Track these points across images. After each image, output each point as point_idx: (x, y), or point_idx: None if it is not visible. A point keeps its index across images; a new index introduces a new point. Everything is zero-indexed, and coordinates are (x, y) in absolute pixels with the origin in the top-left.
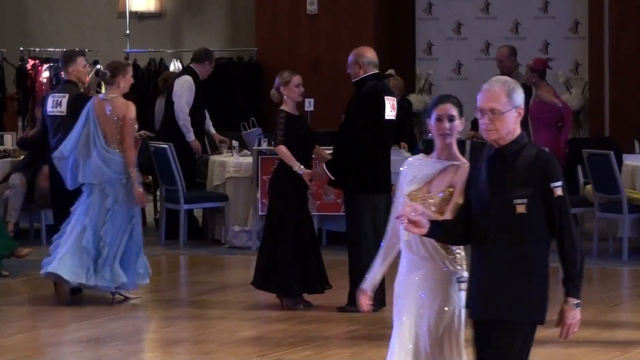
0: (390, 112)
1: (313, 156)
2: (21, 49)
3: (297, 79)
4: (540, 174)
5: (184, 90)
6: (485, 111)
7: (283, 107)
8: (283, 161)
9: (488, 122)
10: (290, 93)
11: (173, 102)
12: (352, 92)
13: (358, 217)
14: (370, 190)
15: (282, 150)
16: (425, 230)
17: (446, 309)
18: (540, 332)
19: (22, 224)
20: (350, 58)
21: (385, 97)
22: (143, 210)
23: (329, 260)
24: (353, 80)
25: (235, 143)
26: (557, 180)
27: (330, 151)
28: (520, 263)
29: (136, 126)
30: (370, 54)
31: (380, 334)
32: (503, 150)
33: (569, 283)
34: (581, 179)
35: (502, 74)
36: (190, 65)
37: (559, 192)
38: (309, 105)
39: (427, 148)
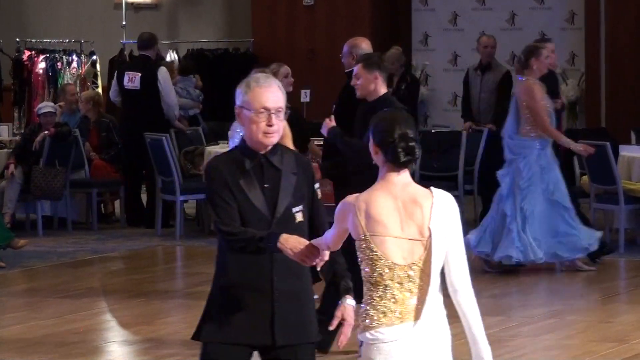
0: None
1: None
2: (17, 40)
3: (284, 70)
4: (305, 177)
5: (171, 86)
6: (272, 111)
7: None
8: None
9: (274, 124)
10: None
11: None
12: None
13: None
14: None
15: None
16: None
17: None
18: (537, 324)
19: (19, 215)
20: (345, 48)
21: None
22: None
23: None
24: (346, 71)
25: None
26: (316, 182)
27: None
28: (305, 275)
29: (550, 106)
30: (365, 45)
31: None
32: (269, 157)
33: (346, 283)
34: (577, 170)
35: (482, 62)
36: (143, 53)
37: (319, 193)
38: (306, 96)
39: (425, 140)
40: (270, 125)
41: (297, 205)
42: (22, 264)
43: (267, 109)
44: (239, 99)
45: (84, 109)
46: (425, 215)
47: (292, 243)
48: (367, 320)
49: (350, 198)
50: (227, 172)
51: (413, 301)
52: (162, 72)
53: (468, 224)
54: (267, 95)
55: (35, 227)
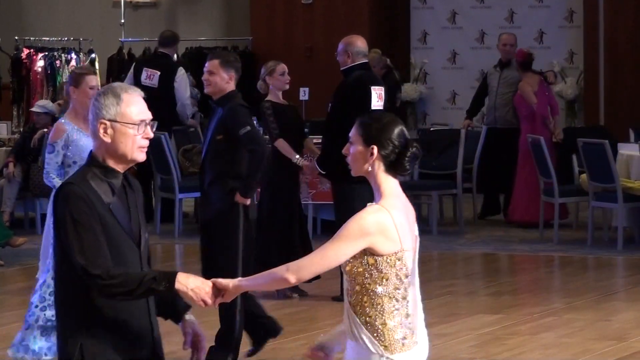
0: (377, 102)
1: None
2: (16, 38)
3: (281, 68)
4: (141, 200)
5: (186, 85)
6: (147, 122)
7: (268, 98)
8: (277, 152)
9: (150, 137)
10: (276, 82)
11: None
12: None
13: (345, 207)
14: (354, 180)
15: (281, 144)
16: None
17: None
18: (536, 322)
19: (17, 213)
20: (340, 46)
21: (372, 87)
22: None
23: None
24: (341, 69)
25: None
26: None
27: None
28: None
29: None
30: (360, 43)
31: None
32: (127, 176)
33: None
34: (576, 168)
35: (502, 59)
36: (163, 51)
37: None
38: (304, 94)
39: (424, 138)
40: (147, 138)
41: (145, 229)
42: (20, 262)
43: (144, 121)
44: (106, 112)
45: None
46: (414, 223)
47: (194, 283)
48: (403, 340)
49: (379, 211)
50: (94, 198)
51: (419, 314)
52: (181, 72)
53: (467, 223)
54: (141, 105)
55: (34, 225)
